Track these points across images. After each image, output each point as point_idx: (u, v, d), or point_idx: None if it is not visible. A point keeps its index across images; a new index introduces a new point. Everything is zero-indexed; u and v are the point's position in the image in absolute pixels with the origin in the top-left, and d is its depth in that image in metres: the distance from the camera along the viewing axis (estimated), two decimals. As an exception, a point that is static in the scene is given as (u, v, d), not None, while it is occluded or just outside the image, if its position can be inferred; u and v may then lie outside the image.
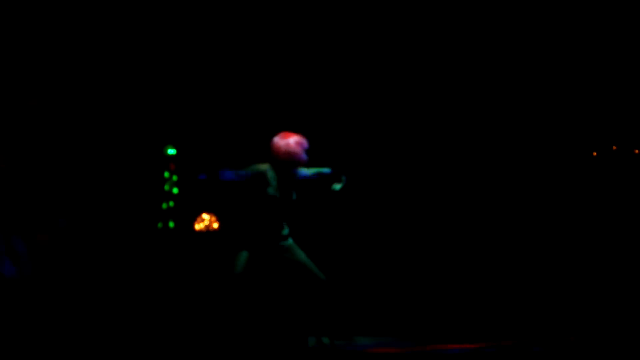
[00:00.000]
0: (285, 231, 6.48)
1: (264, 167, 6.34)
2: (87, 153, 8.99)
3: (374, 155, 9.46)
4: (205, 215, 9.35)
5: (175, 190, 9.38)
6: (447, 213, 9.47)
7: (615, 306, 8.48)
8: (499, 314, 8.66)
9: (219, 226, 9.33)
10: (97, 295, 8.35)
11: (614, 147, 9.37)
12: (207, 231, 9.31)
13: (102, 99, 9.07)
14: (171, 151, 9.37)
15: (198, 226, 9.34)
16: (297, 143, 6.42)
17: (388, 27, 9.31)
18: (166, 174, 9.36)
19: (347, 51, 9.36)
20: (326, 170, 6.60)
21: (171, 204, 9.37)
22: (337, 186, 6.49)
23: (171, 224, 9.32)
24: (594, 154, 9.41)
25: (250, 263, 6.30)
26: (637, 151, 9.33)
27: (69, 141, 8.92)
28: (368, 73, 9.42)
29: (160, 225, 9.31)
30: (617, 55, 9.20)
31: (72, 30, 8.86)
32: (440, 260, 9.34)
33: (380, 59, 9.41)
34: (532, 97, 9.43)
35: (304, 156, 6.44)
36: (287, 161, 6.36)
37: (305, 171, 6.52)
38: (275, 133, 6.55)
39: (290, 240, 6.51)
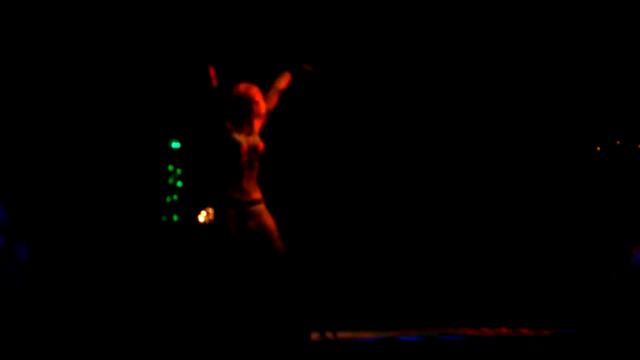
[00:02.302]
0: (257, 194, 6.22)
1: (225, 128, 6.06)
2: (92, 147, 9.01)
3: (372, 151, 9.47)
4: (209, 209, 9.37)
5: (179, 184, 9.40)
6: (449, 205, 9.49)
7: (619, 298, 8.50)
8: (500, 305, 8.70)
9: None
10: (101, 288, 8.38)
11: (618, 142, 9.38)
12: (211, 224, 9.33)
13: (106, 93, 9.09)
14: (175, 144, 9.39)
15: (202, 219, 9.36)
16: (247, 88, 6.21)
17: (389, 28, 9.32)
18: (170, 167, 9.39)
19: (345, 50, 9.37)
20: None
21: (175, 197, 9.40)
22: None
23: (175, 217, 9.35)
24: (598, 148, 9.42)
25: (241, 252, 6.24)
26: (640, 146, 9.34)
27: (74, 135, 8.94)
28: (367, 72, 9.43)
29: (164, 218, 9.34)
30: (619, 50, 9.20)
31: (76, 24, 8.88)
32: (442, 252, 9.36)
33: (379, 59, 9.42)
34: (535, 93, 9.43)
35: (256, 103, 6.16)
36: (240, 108, 6.11)
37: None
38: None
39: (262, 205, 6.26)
